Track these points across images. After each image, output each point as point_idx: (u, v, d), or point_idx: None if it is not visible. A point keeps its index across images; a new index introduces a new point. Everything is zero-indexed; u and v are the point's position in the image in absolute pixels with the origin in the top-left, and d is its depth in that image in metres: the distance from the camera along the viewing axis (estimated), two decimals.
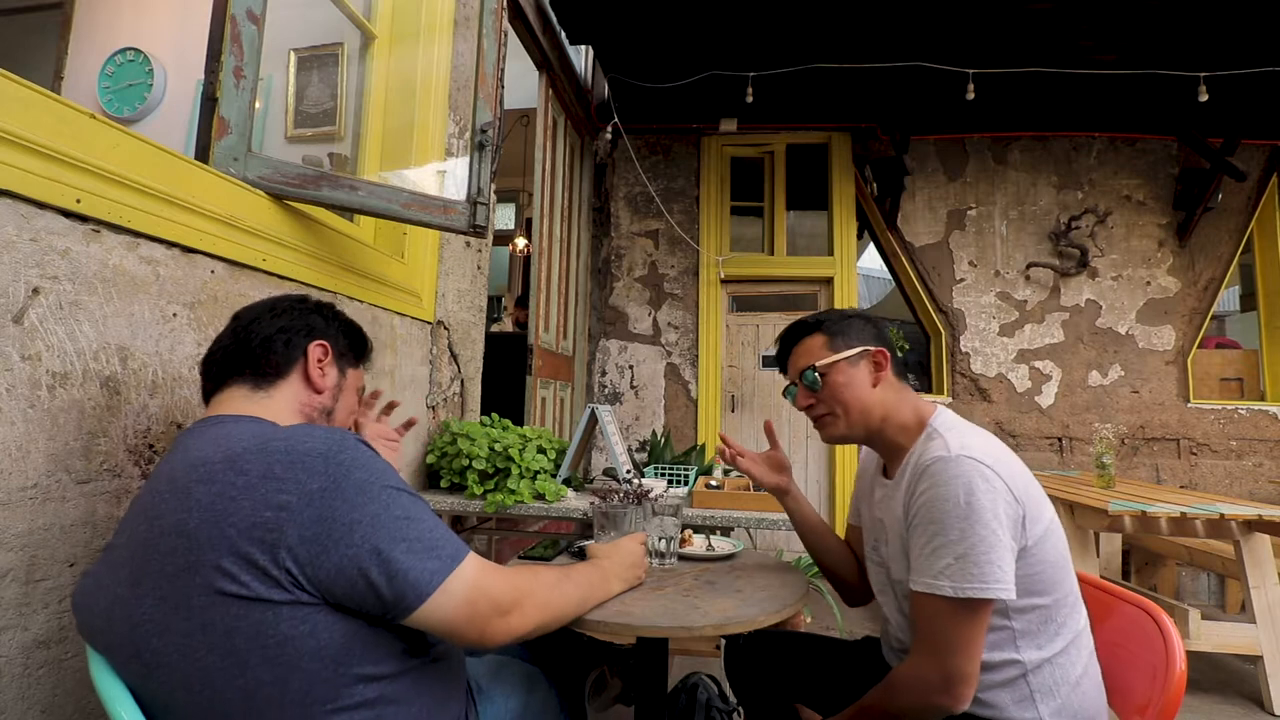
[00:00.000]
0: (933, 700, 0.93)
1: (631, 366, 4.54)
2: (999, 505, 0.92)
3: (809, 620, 3.01)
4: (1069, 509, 2.77)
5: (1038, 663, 0.96)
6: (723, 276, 4.50)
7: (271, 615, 0.68)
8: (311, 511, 0.69)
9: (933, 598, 0.92)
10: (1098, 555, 3.25)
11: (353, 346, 1.04)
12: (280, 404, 0.90)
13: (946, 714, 0.93)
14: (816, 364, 1.15)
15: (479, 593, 0.77)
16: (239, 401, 0.88)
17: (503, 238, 6.36)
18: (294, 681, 0.69)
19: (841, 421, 1.14)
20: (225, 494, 0.70)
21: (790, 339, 1.22)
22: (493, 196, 1.61)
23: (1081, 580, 1.10)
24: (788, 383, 1.23)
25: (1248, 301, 5.55)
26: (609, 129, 4.01)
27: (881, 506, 1.15)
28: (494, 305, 6.51)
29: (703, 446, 2.87)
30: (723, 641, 2.08)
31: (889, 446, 1.15)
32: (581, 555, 1.40)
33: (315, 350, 0.95)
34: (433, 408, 2.22)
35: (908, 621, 1.08)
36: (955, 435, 1.01)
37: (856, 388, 1.13)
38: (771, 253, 4.59)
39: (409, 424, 1.34)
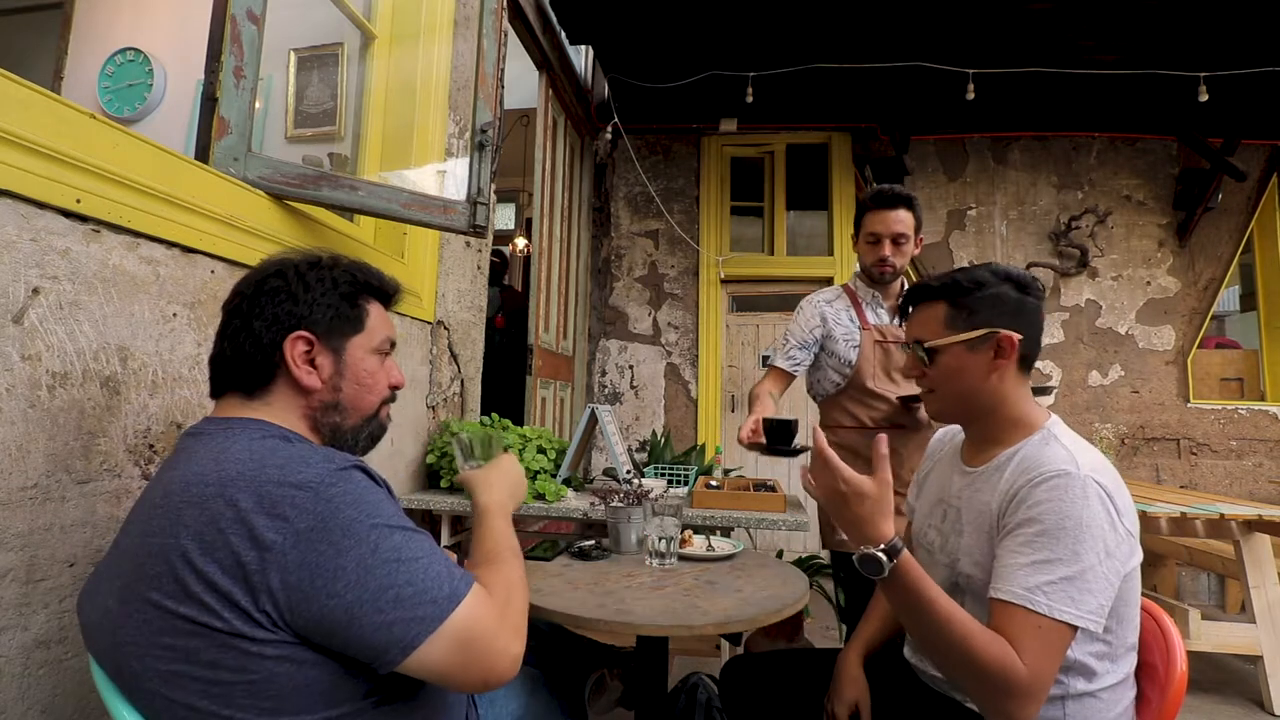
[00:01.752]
0: (1004, 703, 0.87)
1: (631, 366, 4.54)
2: (1112, 539, 0.90)
3: (809, 620, 3.00)
4: None
5: (1080, 693, 0.94)
6: (723, 276, 4.50)
7: (256, 650, 0.66)
8: (296, 555, 0.66)
9: (1025, 610, 0.88)
10: None
11: (346, 311, 0.87)
12: (279, 409, 0.84)
13: (1006, 718, 0.88)
14: (926, 343, 1.03)
15: (472, 635, 0.71)
16: (238, 408, 0.85)
17: (503, 238, 6.36)
18: (283, 714, 0.68)
19: (939, 404, 1.06)
20: (214, 524, 0.67)
21: (912, 298, 1.10)
22: (493, 196, 1.61)
23: None
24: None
25: (1248, 301, 5.54)
26: (609, 129, 4.01)
27: (962, 496, 1.07)
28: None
29: (702, 446, 2.87)
30: (722, 642, 2.08)
31: (984, 435, 1.06)
32: (582, 555, 1.40)
33: (292, 347, 0.83)
34: (433, 408, 2.22)
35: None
36: (1081, 452, 0.96)
37: (967, 377, 1.01)
38: (771, 253, 4.60)
39: None
